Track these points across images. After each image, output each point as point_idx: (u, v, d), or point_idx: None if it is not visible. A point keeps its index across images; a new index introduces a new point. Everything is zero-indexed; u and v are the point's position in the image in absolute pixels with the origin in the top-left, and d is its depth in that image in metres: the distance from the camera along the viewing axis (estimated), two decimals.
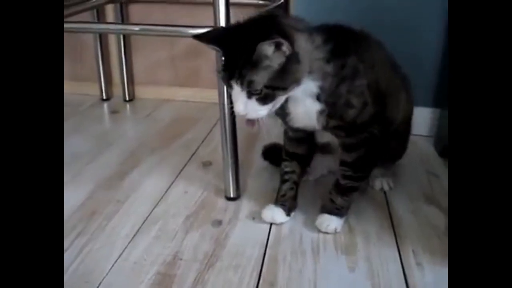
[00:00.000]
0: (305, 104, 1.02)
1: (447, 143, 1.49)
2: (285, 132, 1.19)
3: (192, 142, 1.66)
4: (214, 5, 1.12)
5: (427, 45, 1.60)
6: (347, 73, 1.00)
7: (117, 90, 2.10)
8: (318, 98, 1.00)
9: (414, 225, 1.19)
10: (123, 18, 1.96)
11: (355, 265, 1.05)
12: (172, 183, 1.39)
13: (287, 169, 1.20)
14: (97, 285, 0.99)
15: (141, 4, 1.97)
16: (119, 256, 1.08)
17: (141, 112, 1.97)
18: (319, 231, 1.15)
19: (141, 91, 2.10)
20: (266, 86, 0.91)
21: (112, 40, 2.04)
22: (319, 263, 1.06)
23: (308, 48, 0.96)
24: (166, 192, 1.34)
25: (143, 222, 1.20)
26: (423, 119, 1.63)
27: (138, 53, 2.06)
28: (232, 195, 1.30)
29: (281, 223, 1.18)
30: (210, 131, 1.75)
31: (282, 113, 1.07)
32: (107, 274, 1.02)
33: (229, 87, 0.95)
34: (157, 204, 1.28)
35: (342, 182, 1.14)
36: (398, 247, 1.11)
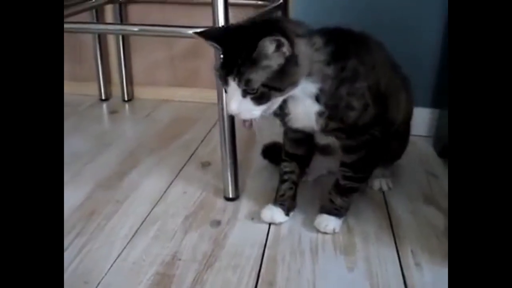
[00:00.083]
0: (304, 105, 1.02)
1: (446, 144, 1.49)
2: (285, 133, 1.19)
3: (191, 143, 1.66)
4: (212, 5, 1.12)
5: (427, 45, 1.60)
6: (346, 75, 1.00)
7: (116, 90, 2.10)
8: (318, 99, 1.00)
9: (413, 225, 1.19)
10: (122, 19, 1.96)
11: (354, 265, 1.05)
12: (171, 183, 1.39)
13: (287, 169, 1.20)
14: (96, 285, 0.99)
15: (140, 4, 1.97)
16: (118, 256, 1.08)
17: (140, 112, 1.97)
18: (318, 231, 1.15)
19: (140, 91, 2.10)
20: (263, 85, 0.91)
21: (111, 40, 2.04)
22: (318, 263, 1.06)
23: (307, 51, 0.96)
24: (165, 192, 1.34)
25: (142, 222, 1.20)
26: (422, 119, 1.63)
27: (137, 53, 2.06)
28: (231, 196, 1.30)
29: (280, 223, 1.18)
30: (209, 131, 1.75)
31: (281, 113, 1.07)
32: (106, 274, 1.02)
33: (225, 84, 0.95)
34: (156, 204, 1.28)
35: (342, 182, 1.14)
36: (397, 247, 1.11)
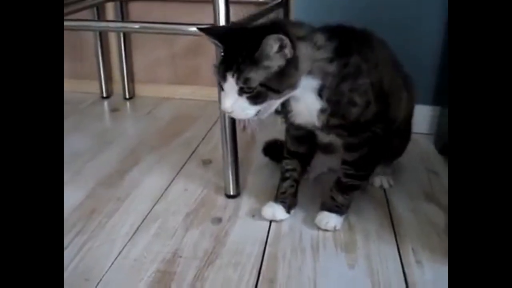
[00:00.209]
0: (306, 101, 1.02)
1: (447, 141, 1.49)
2: (287, 130, 1.19)
3: (192, 140, 1.66)
4: (214, 3, 1.12)
5: (427, 43, 1.59)
6: (349, 71, 1.00)
7: (117, 88, 2.10)
8: (320, 95, 1.00)
9: (414, 223, 1.19)
10: (123, 16, 1.96)
11: (355, 262, 1.05)
12: (172, 181, 1.39)
13: (288, 167, 1.20)
14: (97, 283, 0.99)
15: (141, 2, 1.97)
16: (119, 254, 1.08)
17: (141, 110, 1.97)
18: (319, 228, 1.15)
19: (141, 89, 2.10)
20: (261, 84, 0.92)
21: (112, 38, 2.04)
22: (319, 260, 1.06)
23: (308, 53, 0.97)
24: (166, 190, 1.34)
25: (143, 220, 1.20)
26: (423, 117, 1.62)
27: (138, 51, 2.06)
28: (232, 193, 1.30)
29: (281, 220, 1.19)
30: (210, 129, 1.75)
31: (284, 110, 1.07)
32: (106, 271, 1.02)
33: (223, 80, 0.95)
34: (157, 202, 1.28)
35: (344, 180, 1.14)
36: (397, 245, 1.11)
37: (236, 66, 0.91)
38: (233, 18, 1.16)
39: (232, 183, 1.29)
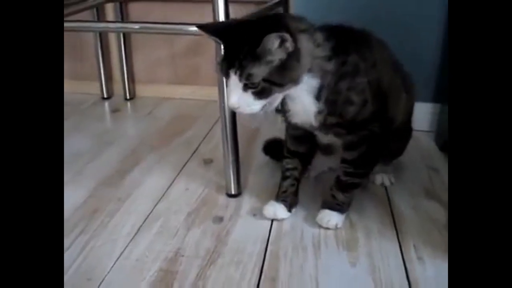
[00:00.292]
0: (304, 103, 1.02)
1: (447, 138, 1.49)
2: (287, 130, 1.19)
3: (192, 140, 1.66)
4: (213, 2, 1.12)
5: (427, 40, 1.60)
6: (347, 70, 1.01)
7: (117, 89, 2.10)
8: (317, 97, 1.01)
9: (415, 220, 1.19)
10: (123, 17, 1.97)
11: (357, 260, 1.06)
12: (173, 181, 1.39)
13: (289, 166, 1.20)
14: (99, 282, 0.99)
15: (140, 2, 1.97)
16: (121, 254, 1.08)
17: (141, 110, 1.97)
18: (320, 226, 1.16)
19: (142, 90, 2.11)
20: (264, 80, 0.92)
21: (112, 38, 2.04)
22: (321, 258, 1.06)
23: (309, 47, 0.97)
24: (167, 189, 1.35)
25: (145, 220, 1.21)
26: (423, 114, 1.63)
27: (138, 51, 2.06)
28: (233, 192, 1.30)
29: (283, 219, 1.19)
30: (211, 128, 1.75)
31: (283, 109, 1.07)
32: (109, 271, 1.03)
33: (227, 77, 0.95)
34: (158, 201, 1.29)
35: (343, 178, 1.14)
36: (399, 241, 1.11)
37: (238, 62, 0.91)
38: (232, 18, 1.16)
39: (233, 182, 1.29)
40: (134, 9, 1.98)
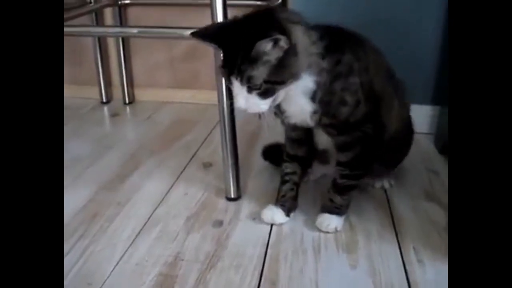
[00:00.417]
0: (299, 104, 1.02)
1: (447, 141, 1.49)
2: (285, 133, 1.19)
3: (192, 144, 1.66)
4: (211, 6, 1.12)
5: (426, 42, 1.60)
6: (342, 70, 1.01)
7: (117, 93, 2.10)
8: (313, 98, 1.01)
9: (415, 222, 1.19)
10: (122, 21, 1.97)
11: (356, 263, 1.06)
12: (172, 185, 1.39)
13: (288, 170, 1.20)
14: (99, 287, 0.99)
15: (139, 7, 1.97)
16: (121, 258, 1.08)
17: (141, 114, 1.97)
18: (320, 230, 1.16)
19: (141, 94, 2.11)
20: (265, 81, 0.92)
21: (111, 43, 2.05)
22: (320, 261, 1.06)
23: (305, 41, 0.96)
24: (166, 193, 1.35)
25: (144, 224, 1.20)
26: (423, 116, 1.63)
27: (137, 56, 2.07)
28: (232, 196, 1.30)
29: (281, 224, 1.19)
30: (210, 132, 1.75)
31: (279, 111, 1.07)
32: (109, 276, 1.03)
33: (229, 83, 0.96)
34: (158, 205, 1.29)
35: (340, 181, 1.14)
36: (399, 244, 1.11)
37: (237, 68, 0.91)
38: None
39: (233, 186, 1.29)
40: (133, 14, 1.98)
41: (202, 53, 1.93)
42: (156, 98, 2.09)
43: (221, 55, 0.96)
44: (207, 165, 1.51)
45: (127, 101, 2.08)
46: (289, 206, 1.19)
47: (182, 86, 2.07)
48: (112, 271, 1.04)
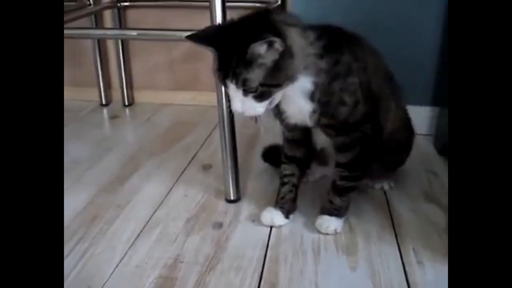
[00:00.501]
0: (298, 104, 1.02)
1: (446, 142, 1.49)
2: (283, 134, 1.19)
3: (191, 146, 1.66)
4: (210, 8, 1.12)
5: (426, 43, 1.60)
6: (340, 70, 1.00)
7: (116, 95, 2.10)
8: (311, 98, 1.01)
9: (415, 224, 1.19)
10: (121, 24, 1.97)
11: (356, 264, 1.06)
12: (172, 187, 1.39)
13: (286, 172, 1.20)
14: None
15: (138, 9, 1.98)
16: (121, 260, 1.08)
17: (140, 116, 1.97)
18: (320, 232, 1.15)
19: (140, 96, 2.11)
20: (261, 84, 0.92)
21: (110, 45, 2.05)
22: (320, 263, 1.06)
23: (301, 42, 0.96)
24: (166, 195, 1.35)
25: (144, 226, 1.20)
26: (422, 117, 1.63)
27: (136, 58, 2.07)
28: (232, 198, 1.30)
29: (280, 226, 1.18)
30: (210, 134, 1.75)
31: (278, 111, 1.07)
32: (108, 278, 1.02)
33: (225, 86, 0.96)
34: (157, 208, 1.29)
35: (339, 183, 1.14)
36: (398, 245, 1.11)
37: (232, 71, 0.91)
38: None
39: (233, 188, 1.29)
40: (132, 16, 1.98)
41: (202, 55, 1.93)
42: (155, 100, 2.09)
43: (216, 57, 0.96)
44: (206, 167, 1.51)
45: (126, 103, 2.08)
46: (288, 208, 1.19)
47: (182, 88, 2.07)
48: (111, 273, 1.04)
